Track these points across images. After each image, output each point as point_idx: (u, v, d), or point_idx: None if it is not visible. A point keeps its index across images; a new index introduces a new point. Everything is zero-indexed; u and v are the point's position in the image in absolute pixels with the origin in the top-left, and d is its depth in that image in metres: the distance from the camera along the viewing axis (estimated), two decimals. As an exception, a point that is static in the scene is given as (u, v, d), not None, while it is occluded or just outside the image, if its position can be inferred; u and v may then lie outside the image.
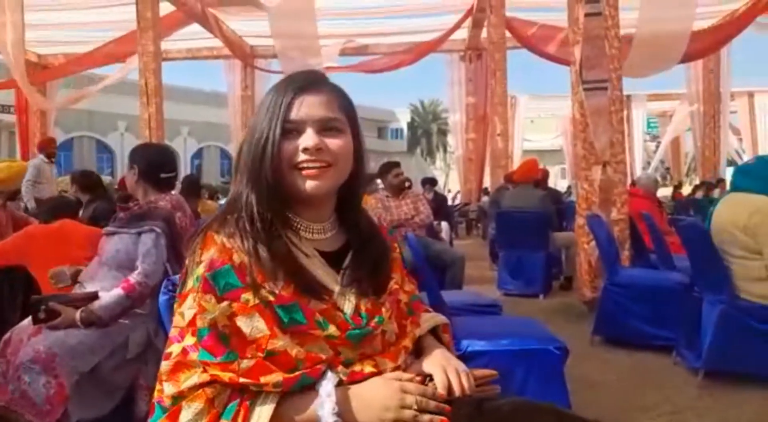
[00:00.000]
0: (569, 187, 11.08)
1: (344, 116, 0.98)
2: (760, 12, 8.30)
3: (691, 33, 7.75)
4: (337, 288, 0.95)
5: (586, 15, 4.21)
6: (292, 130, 0.94)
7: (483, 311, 2.74)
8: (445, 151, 38.75)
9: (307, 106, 0.94)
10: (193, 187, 5.73)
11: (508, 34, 8.91)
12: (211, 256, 0.89)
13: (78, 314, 1.99)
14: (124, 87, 14.36)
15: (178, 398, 0.84)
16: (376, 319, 0.98)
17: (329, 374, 0.88)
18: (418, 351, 1.08)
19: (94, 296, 2.06)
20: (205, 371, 0.84)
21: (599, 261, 4.05)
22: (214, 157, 30.28)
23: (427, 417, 0.87)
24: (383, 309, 1.00)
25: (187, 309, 0.87)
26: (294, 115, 0.94)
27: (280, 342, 0.87)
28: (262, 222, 0.92)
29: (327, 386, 0.86)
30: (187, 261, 0.93)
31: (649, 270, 4.01)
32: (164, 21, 7.77)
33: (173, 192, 2.46)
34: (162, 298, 1.02)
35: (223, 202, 11.87)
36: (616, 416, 2.51)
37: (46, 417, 1.81)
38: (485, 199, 10.45)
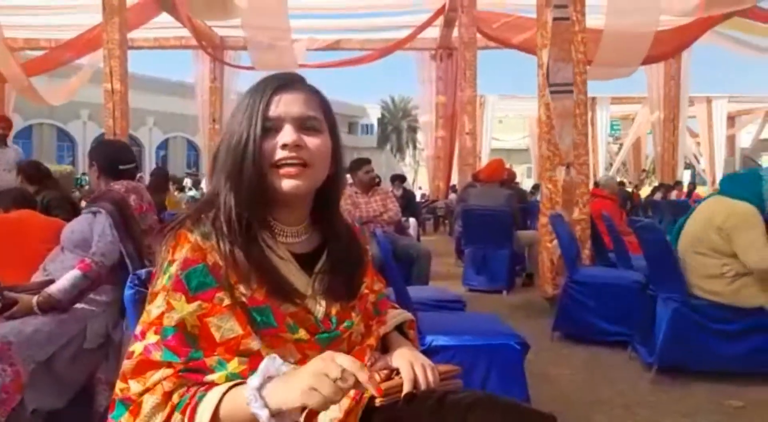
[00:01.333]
0: (534, 186, 11.28)
1: (322, 116, 0.99)
2: (719, 21, 8.63)
3: (653, 35, 7.99)
4: (309, 292, 0.96)
5: (554, 19, 4.31)
6: (270, 128, 0.94)
7: (447, 307, 2.79)
8: (414, 147, 38.92)
9: (286, 104, 0.95)
10: (162, 181, 5.66)
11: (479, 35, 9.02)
12: (184, 255, 0.88)
13: (35, 299, 1.96)
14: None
15: (145, 394, 0.83)
16: (345, 324, 0.99)
17: (265, 360, 0.80)
18: (384, 347, 1.10)
19: (50, 283, 2.03)
20: (170, 367, 0.83)
21: (561, 259, 4.16)
22: (180, 148, 29.75)
23: (348, 383, 0.77)
24: (353, 313, 1.02)
25: (155, 308, 0.86)
26: (272, 112, 0.94)
27: (252, 343, 0.87)
28: (239, 224, 0.91)
29: (254, 379, 0.78)
30: (158, 259, 0.92)
31: (608, 269, 4.14)
32: (132, 11, 7.60)
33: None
34: (128, 292, 1.02)
35: (190, 193, 11.65)
36: (571, 410, 2.60)
37: (2, 405, 1.77)
38: (453, 196, 10.57)
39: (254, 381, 0.78)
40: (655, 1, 7.41)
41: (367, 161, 4.57)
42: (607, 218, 4.23)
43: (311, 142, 0.95)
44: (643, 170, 18.05)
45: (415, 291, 2.90)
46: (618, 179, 11.61)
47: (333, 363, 0.77)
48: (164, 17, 8.81)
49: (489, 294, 5.18)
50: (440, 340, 2.12)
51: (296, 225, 1.00)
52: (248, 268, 0.89)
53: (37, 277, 2.12)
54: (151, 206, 2.35)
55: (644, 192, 14.10)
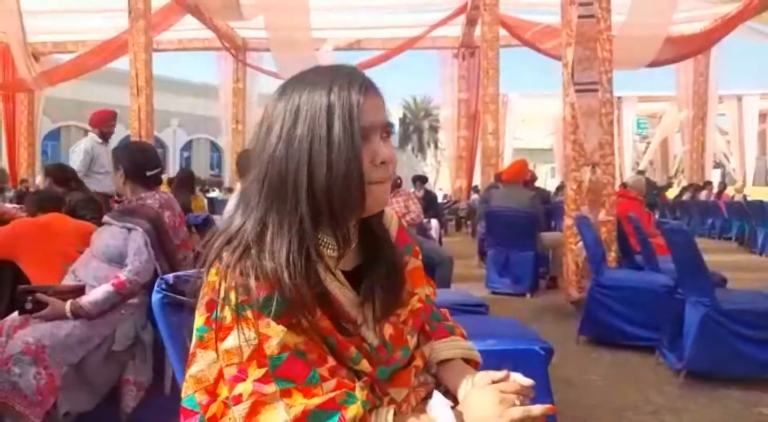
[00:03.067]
0: (559, 187, 11.14)
1: None
2: (750, 15, 8.40)
3: (680, 36, 7.84)
4: (359, 318, 0.88)
5: (579, 17, 4.24)
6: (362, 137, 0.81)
7: (470, 310, 2.76)
8: (436, 147, 38.80)
9: (374, 110, 0.82)
10: (187, 182, 5.73)
11: (502, 31, 8.94)
12: (245, 285, 0.78)
13: (68, 306, 2.00)
14: (113, 76, 14.24)
15: None
16: (402, 352, 0.92)
17: (440, 398, 0.84)
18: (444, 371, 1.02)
19: (81, 288, 2.07)
20: (289, 406, 0.76)
21: (586, 261, 4.10)
22: (204, 149, 30.10)
23: (537, 408, 0.83)
24: (408, 336, 0.94)
25: (241, 342, 0.77)
26: (365, 119, 0.80)
27: (332, 363, 0.82)
28: (297, 252, 0.80)
29: (446, 415, 0.82)
30: (208, 289, 0.82)
31: (635, 271, 4.06)
32: (158, 14, 7.71)
33: (163, 188, 2.48)
34: (155, 297, 1.02)
35: (212, 195, 11.71)
36: (597, 416, 2.56)
37: (37, 408, 1.82)
38: (475, 196, 10.51)
39: (449, 415, 0.82)
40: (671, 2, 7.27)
41: (389, 162, 4.56)
42: (634, 219, 4.15)
43: (393, 152, 0.85)
44: (669, 177, 17.65)
45: (437, 295, 2.88)
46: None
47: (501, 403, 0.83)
48: (188, 19, 8.93)
49: (512, 297, 5.13)
50: (463, 345, 2.10)
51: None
52: (311, 297, 0.80)
53: (66, 280, 2.16)
54: (182, 219, 2.37)
55: (671, 193, 13.83)
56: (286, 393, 0.77)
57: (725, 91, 14.55)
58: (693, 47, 9.11)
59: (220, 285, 0.80)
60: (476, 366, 1.04)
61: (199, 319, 0.83)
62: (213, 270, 0.82)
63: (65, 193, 3.81)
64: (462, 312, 2.76)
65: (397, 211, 4.66)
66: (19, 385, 1.81)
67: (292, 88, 0.84)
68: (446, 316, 1.13)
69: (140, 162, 2.32)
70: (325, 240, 0.86)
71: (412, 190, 8.63)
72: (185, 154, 29.36)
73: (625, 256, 4.39)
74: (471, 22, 10.17)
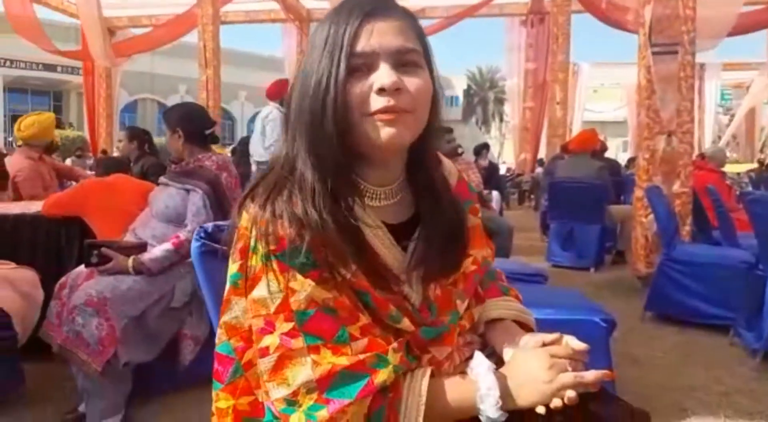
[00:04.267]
0: (630, 160, 10.59)
1: (421, 47, 0.79)
2: None
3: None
4: (403, 276, 0.81)
5: (660, -28, 3.92)
6: (360, 66, 0.75)
7: (528, 280, 2.66)
8: (501, 120, 37.85)
9: (380, 34, 0.75)
10: (246, 151, 5.83)
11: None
12: (274, 232, 0.73)
13: (130, 261, 2.07)
14: (185, 50, 14.67)
15: (292, 401, 0.72)
16: (449, 317, 0.85)
17: (481, 359, 0.78)
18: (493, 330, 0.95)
19: (143, 245, 2.14)
20: (316, 363, 0.72)
21: (656, 235, 3.86)
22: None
23: (591, 374, 0.76)
24: (458, 300, 0.86)
25: (270, 296, 0.73)
26: (363, 46, 0.74)
27: (364, 321, 0.76)
28: (324, 192, 0.75)
29: (487, 378, 0.75)
30: (240, 234, 0.77)
31: (711, 246, 3.80)
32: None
33: (227, 152, 2.50)
34: (194, 245, 1.01)
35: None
36: (661, 395, 2.42)
37: (98, 357, 1.91)
38: (539, 169, 10.16)
39: (488, 378, 0.76)
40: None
41: (449, 130, 4.45)
42: (712, 192, 3.86)
43: (411, 82, 0.76)
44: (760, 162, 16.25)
45: (494, 263, 2.79)
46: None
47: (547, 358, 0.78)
48: (255, -10, 9.00)
49: (575, 271, 4.94)
50: (520, 313, 2.02)
51: (389, 185, 0.83)
52: (342, 246, 0.74)
53: (127, 238, 2.23)
54: (237, 180, 2.39)
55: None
56: (314, 349, 0.73)
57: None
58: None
59: (251, 231, 0.75)
60: (529, 332, 0.95)
61: (232, 266, 0.79)
62: (245, 214, 0.77)
63: (140, 156, 4.00)
64: (520, 281, 2.67)
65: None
66: (83, 334, 1.90)
67: (323, 18, 0.80)
68: (501, 277, 1.05)
69: (198, 122, 2.35)
70: (365, 186, 0.81)
71: (474, 159, 8.39)
72: (252, 126, 30.13)
73: (701, 231, 4.10)
74: (541, -14, 9.70)
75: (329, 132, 0.74)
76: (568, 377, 0.76)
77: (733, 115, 18.56)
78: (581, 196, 5.01)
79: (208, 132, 2.32)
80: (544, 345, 0.84)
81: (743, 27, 7.81)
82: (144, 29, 11.32)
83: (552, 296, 2.40)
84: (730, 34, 7.54)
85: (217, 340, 0.83)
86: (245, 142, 6.13)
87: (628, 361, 2.73)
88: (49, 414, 2.14)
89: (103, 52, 8.11)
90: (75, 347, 1.90)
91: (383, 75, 0.74)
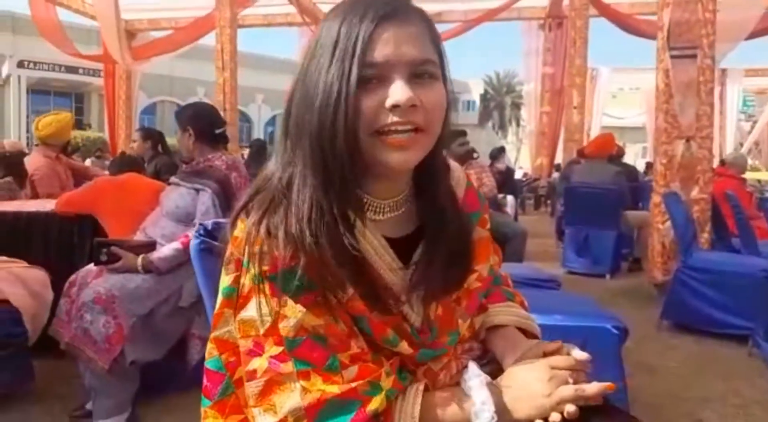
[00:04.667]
0: (648, 165, 10.44)
1: (437, 56, 0.73)
2: None
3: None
4: (403, 296, 0.76)
5: (678, -25, 3.86)
6: (371, 77, 0.68)
7: (540, 286, 2.62)
8: (518, 125, 37.60)
9: (395, 43, 0.68)
10: (261, 152, 5.88)
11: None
12: (269, 253, 0.69)
13: (139, 260, 2.08)
14: (203, 53, 14.83)
15: None
16: (449, 338, 0.81)
17: (475, 372, 0.75)
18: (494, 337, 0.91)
19: (152, 244, 2.14)
20: (305, 390, 0.68)
21: (674, 242, 3.79)
22: (287, 124, 30.93)
23: (592, 387, 0.73)
24: (459, 319, 0.82)
25: (257, 316, 0.70)
26: (377, 55, 0.67)
27: (355, 349, 0.73)
28: (323, 213, 0.69)
29: (481, 392, 0.72)
30: (235, 247, 0.73)
31: (730, 254, 3.71)
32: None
33: (237, 153, 2.51)
34: (193, 242, 1.00)
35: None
36: (676, 405, 2.36)
37: (105, 355, 1.91)
38: (556, 174, 10.06)
39: (482, 393, 0.73)
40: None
41: (462, 133, 4.42)
42: (732, 199, 3.77)
43: (427, 96, 0.69)
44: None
45: (507, 268, 2.74)
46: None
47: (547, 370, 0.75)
48: (272, -6, 9.07)
49: (590, 277, 4.87)
50: (530, 319, 1.98)
51: (394, 197, 0.78)
52: (339, 270, 0.69)
53: (137, 237, 2.24)
54: (247, 181, 2.39)
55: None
56: (303, 375, 0.69)
57: None
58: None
59: (244, 248, 0.71)
60: (532, 339, 0.92)
61: (225, 278, 0.74)
62: (240, 225, 0.73)
63: (154, 156, 4.04)
64: (532, 287, 2.63)
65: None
66: (90, 332, 1.91)
67: (327, 15, 0.74)
68: (507, 282, 1.01)
69: (209, 121, 2.34)
70: (369, 199, 0.76)
71: (489, 163, 8.33)
72: (269, 129, 30.33)
73: (720, 239, 4.01)
74: (559, -9, 9.62)
75: (339, 150, 0.68)
76: (568, 390, 0.73)
77: (755, 122, 18.24)
78: (597, 202, 4.94)
79: (218, 131, 2.32)
80: (545, 355, 0.81)
81: (765, 30, 7.66)
82: (163, 32, 11.46)
83: (564, 302, 2.36)
84: (749, 37, 7.39)
85: (207, 355, 0.78)
86: (260, 144, 6.17)
87: (642, 370, 2.67)
88: (57, 411, 2.15)
89: (119, 53, 8.21)
90: (82, 344, 1.91)
91: (398, 90, 0.68)
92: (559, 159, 11.11)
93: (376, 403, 0.69)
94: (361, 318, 0.73)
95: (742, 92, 16.93)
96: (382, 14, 0.69)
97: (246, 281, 0.71)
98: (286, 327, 0.69)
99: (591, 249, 5.01)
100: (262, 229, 0.70)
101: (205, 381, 0.78)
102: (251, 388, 0.70)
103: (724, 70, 14.04)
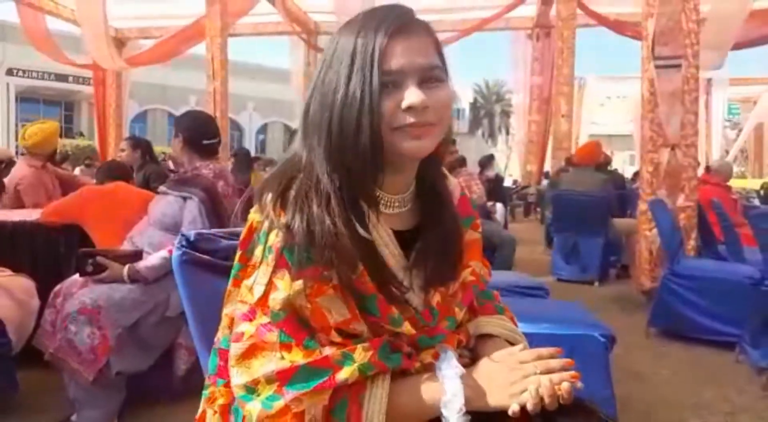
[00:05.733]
0: (635, 174, 10.54)
1: (441, 61, 0.83)
2: None
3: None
4: (406, 280, 0.83)
5: (663, -15, 3.92)
6: (388, 82, 0.78)
7: (528, 294, 2.63)
8: (507, 133, 37.81)
9: (407, 53, 0.78)
10: (243, 160, 5.87)
11: (578, 11, 8.50)
12: (286, 223, 0.76)
13: (125, 270, 2.06)
14: (195, 62, 14.82)
15: (252, 388, 0.74)
16: (447, 323, 0.88)
17: (451, 362, 0.79)
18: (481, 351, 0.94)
19: (138, 253, 2.13)
20: (283, 359, 0.74)
21: (660, 249, 3.82)
22: (278, 132, 30.92)
23: (556, 376, 0.77)
24: (456, 308, 0.89)
25: (255, 284, 0.77)
26: (392, 65, 0.78)
27: (359, 328, 0.79)
28: (341, 201, 0.78)
29: (453, 383, 0.76)
30: (250, 224, 0.81)
31: (716, 261, 3.75)
32: (234, 3, 7.90)
33: (226, 162, 2.51)
34: (175, 253, 1.00)
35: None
36: (665, 412, 2.37)
37: (90, 366, 1.89)
38: (545, 182, 10.12)
39: (454, 385, 0.76)
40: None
41: (452, 141, 4.44)
42: (717, 206, 3.82)
43: (436, 97, 0.80)
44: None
45: (495, 276, 2.76)
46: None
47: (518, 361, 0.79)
48: (264, 4, 9.08)
49: (579, 284, 4.89)
50: (518, 327, 1.99)
51: (403, 193, 0.86)
52: (352, 251, 0.76)
53: (125, 246, 2.23)
54: (235, 190, 2.39)
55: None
56: (286, 347, 0.75)
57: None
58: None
59: (260, 223, 0.79)
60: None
61: (236, 256, 0.83)
62: (255, 208, 0.81)
63: (143, 165, 4.03)
64: (521, 295, 2.64)
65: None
66: (75, 342, 1.89)
67: (340, 31, 0.83)
68: (497, 298, 1.06)
69: (198, 130, 2.34)
70: (381, 194, 0.84)
71: (479, 170, 8.35)
72: (260, 137, 30.29)
73: (707, 246, 4.05)
74: (546, 1, 9.72)
75: (364, 146, 0.76)
76: (534, 380, 0.76)
77: (740, 130, 18.49)
78: (585, 209, 4.98)
79: (206, 142, 2.32)
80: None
81: (750, 41, 7.79)
82: (153, 41, 11.42)
83: (552, 310, 2.37)
84: (735, 48, 7.52)
85: (218, 334, 0.85)
86: (244, 152, 6.18)
87: (630, 377, 2.68)
88: (41, 423, 2.12)
89: (107, 57, 8.18)
90: (67, 355, 1.89)
91: (412, 94, 0.78)
92: (548, 166, 11.19)
93: (346, 373, 0.74)
94: (369, 297, 0.79)
95: (728, 100, 17.15)
96: (394, 29, 0.79)
97: (258, 252, 0.78)
98: (274, 298, 0.75)
99: (579, 256, 5.04)
100: (282, 205, 0.77)
101: (218, 361, 0.85)
102: (235, 349, 0.76)
103: (709, 80, 14.23)
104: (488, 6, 10.42)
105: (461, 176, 4.38)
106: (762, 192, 11.25)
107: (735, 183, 10.06)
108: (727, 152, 17.02)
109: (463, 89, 39.90)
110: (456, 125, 38.43)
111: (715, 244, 4.01)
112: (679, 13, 3.94)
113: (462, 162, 4.48)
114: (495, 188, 7.71)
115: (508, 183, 13.42)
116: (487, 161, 8.95)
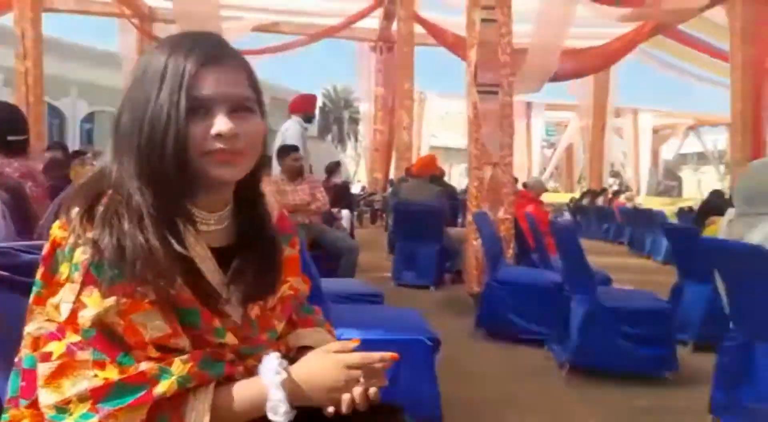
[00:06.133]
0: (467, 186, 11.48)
1: (254, 93, 0.86)
2: (643, 39, 9.06)
3: (580, 49, 8.29)
4: (224, 293, 0.85)
5: (482, 20, 4.33)
6: (198, 108, 0.80)
7: (365, 300, 2.72)
8: (356, 139, 38.74)
9: (217, 82, 0.81)
10: (61, 156, 5.28)
11: (418, 29, 9.02)
12: (93, 239, 0.74)
13: None
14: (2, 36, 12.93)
15: (63, 408, 0.71)
16: (268, 334, 0.91)
17: (272, 366, 0.82)
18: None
19: None
20: (97, 377, 0.73)
21: (485, 256, 4.19)
22: (108, 122, 28.15)
23: (374, 355, 0.85)
24: (275, 321, 0.93)
25: (62, 302, 0.75)
26: (203, 91, 0.80)
27: (181, 343, 0.79)
28: (154, 218, 0.77)
29: (277, 392, 0.79)
30: (53, 239, 0.78)
31: (529, 268, 4.21)
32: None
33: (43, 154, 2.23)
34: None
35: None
36: (485, 408, 2.60)
37: None
38: (391, 189, 10.56)
39: (278, 392, 0.79)
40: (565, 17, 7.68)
41: (295, 148, 4.44)
42: (530, 218, 4.30)
43: (246, 127, 0.82)
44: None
45: (334, 284, 2.82)
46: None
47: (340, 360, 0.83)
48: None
49: (417, 289, 5.17)
50: (351, 334, 2.03)
51: (220, 211, 0.88)
52: (169, 266, 0.76)
53: None
54: (45, 191, 2.17)
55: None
56: (99, 365, 0.74)
57: (623, 104, 15.64)
58: (594, 63, 9.69)
59: (69, 237, 0.76)
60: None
61: (38, 273, 0.79)
62: (58, 223, 0.78)
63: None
64: (357, 302, 2.72)
65: (301, 199, 4.46)
66: None
67: (152, 50, 0.85)
68: (318, 313, 1.12)
69: (4, 125, 2.11)
70: (196, 212, 0.85)
71: (325, 177, 8.44)
72: (87, 126, 27.26)
73: (523, 254, 4.54)
74: (388, 17, 10.17)
75: (168, 166, 0.78)
76: (358, 389, 0.82)
77: (555, 149, 21.05)
78: (422, 218, 5.29)
79: (12, 138, 2.06)
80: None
81: (564, 73, 8.96)
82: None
83: (385, 316, 2.48)
84: (553, 80, 8.62)
85: (20, 356, 0.79)
86: (61, 147, 5.55)
87: (460, 377, 2.85)
88: None
89: None
90: None
91: (221, 122, 0.80)
92: (393, 175, 11.69)
93: (164, 386, 0.74)
94: (191, 311, 0.80)
95: (545, 123, 19.43)
96: (205, 58, 0.81)
97: (63, 269, 0.76)
98: (83, 316, 0.73)
99: (417, 262, 5.33)
100: (89, 221, 0.76)
101: (20, 381, 0.79)
102: (43, 369, 0.74)
103: (529, 104, 16.02)
104: (334, 13, 10.63)
105: (306, 183, 4.38)
106: (571, 205, 12.90)
107: (549, 197, 11.42)
108: (545, 169, 19.30)
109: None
110: (304, 129, 38.22)
111: (529, 253, 4.50)
112: (495, 44, 4.36)
113: (304, 169, 4.50)
114: (342, 194, 7.84)
115: (356, 189, 13.73)
116: (334, 167, 9.09)
